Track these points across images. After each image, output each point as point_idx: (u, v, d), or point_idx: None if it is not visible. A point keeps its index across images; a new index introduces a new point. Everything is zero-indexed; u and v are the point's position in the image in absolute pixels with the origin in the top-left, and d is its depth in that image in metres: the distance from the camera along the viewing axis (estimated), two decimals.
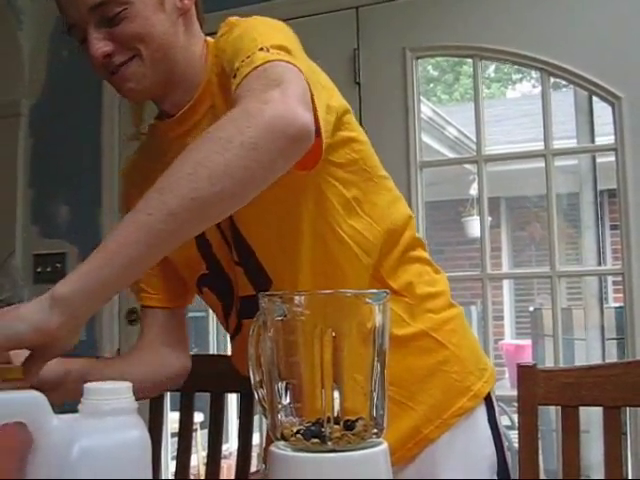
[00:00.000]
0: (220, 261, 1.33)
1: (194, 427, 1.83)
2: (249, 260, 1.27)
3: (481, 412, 1.33)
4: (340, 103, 1.26)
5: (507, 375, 6.18)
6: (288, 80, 1.02)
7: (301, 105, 1.01)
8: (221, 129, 0.99)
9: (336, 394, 0.86)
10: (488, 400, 1.34)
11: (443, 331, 1.34)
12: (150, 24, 1.20)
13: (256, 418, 1.58)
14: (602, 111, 3.05)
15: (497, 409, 1.36)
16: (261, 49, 1.08)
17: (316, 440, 0.84)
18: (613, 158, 2.76)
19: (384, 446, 0.86)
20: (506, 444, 1.35)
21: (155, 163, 1.25)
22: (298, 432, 0.86)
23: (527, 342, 6.31)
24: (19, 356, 0.97)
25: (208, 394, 1.64)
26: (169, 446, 3.26)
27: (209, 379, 1.61)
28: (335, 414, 0.85)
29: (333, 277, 1.27)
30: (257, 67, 1.05)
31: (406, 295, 1.33)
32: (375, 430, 0.87)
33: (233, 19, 1.25)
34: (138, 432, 0.76)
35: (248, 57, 1.08)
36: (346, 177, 1.26)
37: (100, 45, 1.20)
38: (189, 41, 1.28)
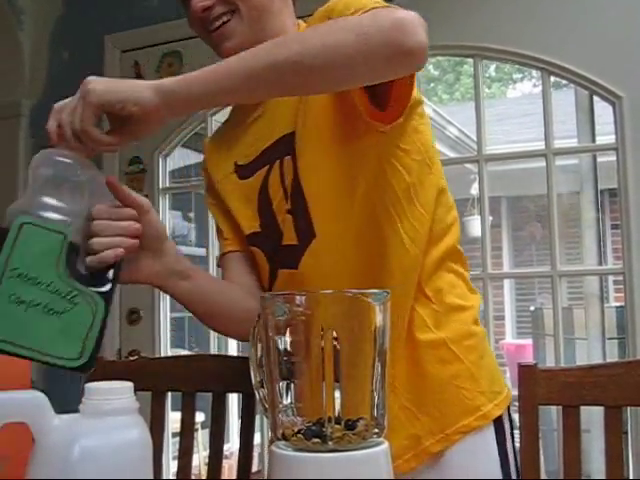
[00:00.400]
0: (277, 216, 1.34)
1: (195, 427, 1.84)
2: (300, 210, 1.29)
3: (490, 434, 1.33)
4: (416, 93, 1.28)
5: (508, 375, 6.18)
6: (412, 14, 1.05)
7: (423, 32, 1.04)
8: (346, 20, 1.06)
9: (337, 394, 0.86)
10: (499, 423, 1.34)
11: (462, 345, 1.35)
12: None
13: (257, 418, 1.58)
14: (603, 110, 3.04)
15: (509, 433, 1.35)
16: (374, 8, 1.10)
17: (317, 440, 0.84)
18: (614, 157, 2.75)
19: (385, 446, 0.87)
20: (514, 469, 1.35)
21: (236, 130, 1.42)
22: (299, 432, 0.86)
23: (528, 342, 6.31)
24: None
25: (209, 394, 1.64)
26: (170, 446, 3.25)
27: (210, 379, 1.62)
28: (336, 414, 0.85)
29: (377, 254, 1.29)
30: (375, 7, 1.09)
31: (434, 301, 1.34)
32: (376, 430, 0.87)
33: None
34: (139, 432, 0.76)
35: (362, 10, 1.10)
36: (410, 164, 1.29)
37: None
38: (281, 10, 1.34)
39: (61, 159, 1.05)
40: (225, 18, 1.29)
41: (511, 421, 1.38)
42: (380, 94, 1.16)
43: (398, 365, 1.30)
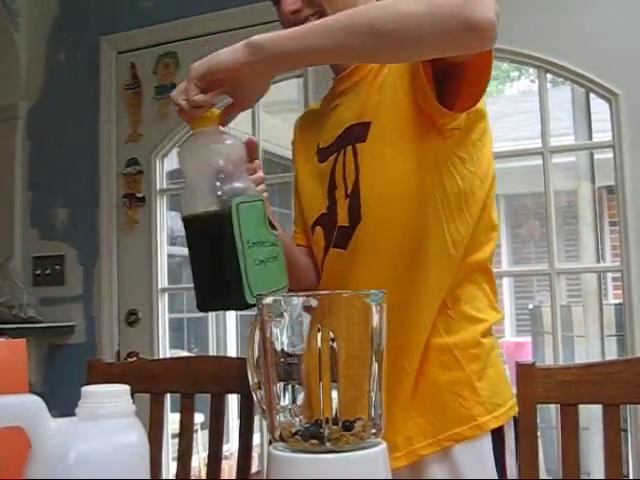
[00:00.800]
0: (338, 200, 1.42)
1: (195, 428, 1.83)
2: (355, 194, 1.37)
3: (486, 445, 1.33)
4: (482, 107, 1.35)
5: (507, 373, 6.18)
6: None
7: (492, 9, 1.09)
8: None
9: (334, 394, 0.86)
10: (497, 435, 1.34)
11: (467, 353, 1.36)
12: None
13: (256, 419, 1.58)
14: (600, 107, 3.04)
15: (511, 448, 1.36)
16: None
17: (315, 441, 0.84)
18: (611, 154, 2.75)
19: (383, 446, 0.86)
20: None
21: (322, 114, 1.55)
22: (297, 433, 0.86)
23: (527, 340, 6.31)
24: None
25: (208, 395, 1.64)
26: (170, 447, 3.25)
27: (209, 380, 1.62)
28: (333, 414, 0.85)
29: (419, 248, 1.34)
30: None
31: (450, 308, 1.37)
32: (373, 430, 0.87)
33: None
34: (135, 435, 0.76)
35: None
36: (464, 172, 1.35)
37: (289, 2, 1.37)
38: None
39: (214, 146, 1.14)
40: (312, 19, 1.36)
41: (516, 435, 1.38)
42: (450, 93, 1.25)
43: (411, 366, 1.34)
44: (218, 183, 1.11)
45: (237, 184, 1.14)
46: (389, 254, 1.36)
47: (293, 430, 0.86)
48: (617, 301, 4.37)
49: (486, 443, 1.33)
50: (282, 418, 0.88)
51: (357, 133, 1.39)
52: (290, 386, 0.88)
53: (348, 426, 0.85)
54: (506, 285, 9.10)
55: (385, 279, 1.33)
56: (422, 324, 1.34)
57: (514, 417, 1.38)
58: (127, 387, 0.77)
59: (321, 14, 1.36)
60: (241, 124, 4.21)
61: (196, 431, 4.36)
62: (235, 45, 1.12)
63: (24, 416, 0.74)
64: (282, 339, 0.88)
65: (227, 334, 5.31)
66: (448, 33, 1.08)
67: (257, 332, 0.92)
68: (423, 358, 1.35)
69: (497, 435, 1.34)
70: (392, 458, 1.27)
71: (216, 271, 1.12)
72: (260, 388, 0.94)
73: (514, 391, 1.40)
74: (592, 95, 3.05)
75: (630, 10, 2.73)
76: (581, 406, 1.37)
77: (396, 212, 1.34)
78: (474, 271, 1.40)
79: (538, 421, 1.38)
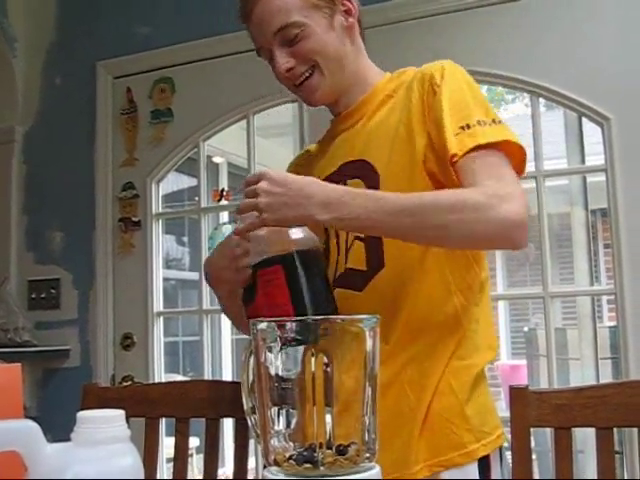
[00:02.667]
0: (330, 235, 1.49)
1: (190, 452, 1.83)
2: (374, 240, 1.41)
3: (472, 472, 1.34)
4: None
5: (503, 396, 6.17)
6: (512, 193, 1.26)
7: (526, 231, 1.27)
8: (462, 200, 1.25)
9: (328, 419, 0.86)
10: (484, 463, 1.35)
11: (461, 381, 1.39)
12: (323, 40, 1.46)
13: (251, 443, 1.58)
14: (592, 130, 3.07)
15: (494, 474, 1.37)
16: (479, 122, 1.33)
17: (309, 465, 0.84)
18: (604, 178, 2.77)
19: (376, 470, 0.87)
20: None
21: (320, 151, 1.63)
22: (291, 457, 0.86)
23: (522, 362, 6.30)
24: None
25: (204, 419, 1.64)
26: (165, 471, 3.24)
27: (204, 405, 1.62)
28: (327, 439, 0.85)
29: (433, 294, 1.40)
30: (480, 146, 1.30)
31: (455, 350, 1.40)
32: (367, 455, 0.88)
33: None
34: (130, 460, 0.76)
35: (468, 126, 1.33)
36: None
37: (283, 61, 1.46)
38: (355, 53, 1.53)
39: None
40: (307, 74, 1.47)
41: (502, 464, 1.39)
42: None
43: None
44: None
45: None
46: (408, 302, 1.39)
47: (287, 455, 0.87)
48: (612, 323, 4.38)
49: (473, 471, 1.34)
50: (276, 443, 0.88)
51: (359, 169, 1.45)
52: (284, 411, 0.88)
53: (342, 450, 0.86)
54: (501, 308, 9.10)
55: (401, 325, 1.38)
56: (433, 365, 1.39)
57: (500, 448, 1.39)
58: (122, 412, 0.77)
59: (314, 69, 1.47)
60: (237, 148, 4.24)
61: (191, 455, 4.34)
62: (312, 206, 1.23)
63: (20, 441, 0.74)
64: (276, 364, 0.89)
65: (222, 358, 5.30)
66: (483, 246, 1.37)
67: (251, 357, 0.92)
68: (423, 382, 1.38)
69: (484, 464, 1.35)
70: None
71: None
72: (254, 413, 0.94)
73: (504, 416, 1.41)
74: (584, 119, 3.07)
75: (622, 35, 2.76)
76: (576, 429, 1.37)
77: (419, 262, 1.39)
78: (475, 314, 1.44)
79: (533, 444, 1.38)
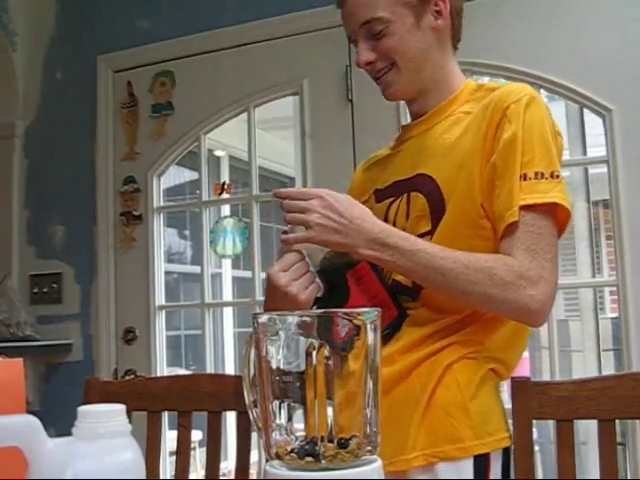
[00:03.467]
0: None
1: (193, 445, 1.84)
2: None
3: (467, 468, 1.34)
4: None
5: (506, 388, 6.16)
6: (541, 276, 1.30)
7: (537, 315, 1.33)
8: (492, 272, 1.30)
9: (329, 412, 0.86)
10: (482, 460, 1.35)
11: (468, 378, 1.39)
12: (406, 40, 1.47)
13: (254, 436, 1.58)
14: (594, 122, 3.06)
15: (494, 474, 1.36)
16: (537, 175, 1.34)
17: (310, 458, 0.84)
18: (605, 169, 2.77)
19: (378, 464, 0.87)
20: None
21: (385, 158, 1.65)
22: (292, 451, 0.86)
23: (525, 355, 6.30)
24: None
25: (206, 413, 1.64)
26: (168, 465, 3.25)
27: (206, 398, 1.62)
28: (329, 432, 0.85)
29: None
30: (527, 206, 1.32)
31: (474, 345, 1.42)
32: (369, 447, 0.87)
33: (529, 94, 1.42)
34: (132, 454, 0.76)
35: (525, 176, 1.34)
36: None
37: (365, 54, 1.49)
38: (441, 57, 1.53)
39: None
40: (385, 70, 1.50)
41: (506, 468, 1.38)
42: None
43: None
44: None
45: None
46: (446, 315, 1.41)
47: (289, 448, 0.86)
48: (614, 315, 4.38)
49: (468, 467, 1.34)
50: (278, 436, 0.88)
51: (418, 184, 1.47)
52: (286, 404, 0.88)
53: (343, 443, 0.85)
54: None
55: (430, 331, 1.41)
56: (444, 359, 1.41)
57: (506, 450, 1.38)
58: (123, 406, 0.77)
59: (393, 66, 1.49)
60: (238, 141, 4.23)
61: (194, 449, 4.35)
62: (355, 224, 1.33)
63: (21, 436, 0.74)
64: (277, 357, 0.89)
65: (225, 351, 5.31)
66: (506, 317, 1.37)
67: (252, 350, 0.92)
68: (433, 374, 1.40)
69: (482, 461, 1.35)
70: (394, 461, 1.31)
71: None
72: (256, 406, 0.94)
73: (507, 407, 1.42)
74: (586, 111, 3.07)
75: (623, 26, 2.75)
76: (579, 421, 1.37)
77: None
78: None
79: (536, 436, 1.38)
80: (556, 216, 1.35)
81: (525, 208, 1.32)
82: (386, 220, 1.48)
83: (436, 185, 1.43)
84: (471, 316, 1.40)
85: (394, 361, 1.39)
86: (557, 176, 1.35)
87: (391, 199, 1.52)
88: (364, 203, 1.53)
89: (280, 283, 1.35)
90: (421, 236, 1.41)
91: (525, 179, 1.34)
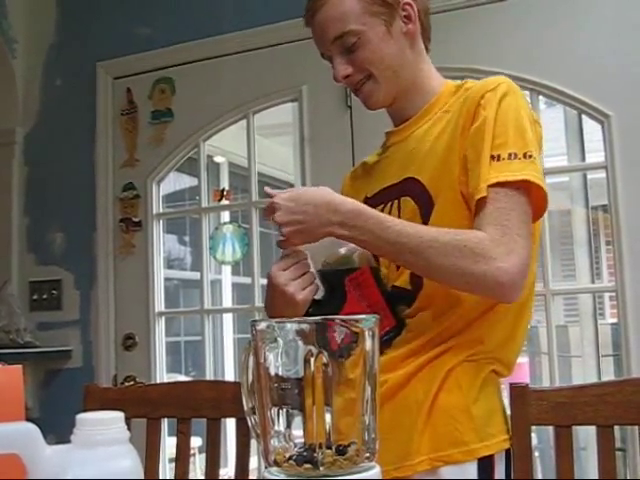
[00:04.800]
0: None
1: (192, 452, 1.84)
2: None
3: (471, 470, 1.35)
4: None
5: (506, 394, 6.16)
6: (519, 251, 1.30)
7: (517, 281, 1.31)
8: (461, 245, 1.30)
9: (328, 419, 0.86)
10: (486, 463, 1.36)
11: (469, 382, 1.40)
12: (380, 49, 1.48)
13: (253, 443, 1.58)
14: (592, 127, 3.06)
15: (498, 475, 1.37)
16: (510, 155, 1.34)
17: (308, 465, 0.84)
18: (604, 175, 2.77)
19: (376, 470, 0.87)
20: None
21: (372, 166, 1.67)
22: (290, 458, 0.86)
23: (524, 360, 6.30)
24: None
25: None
26: (167, 471, 3.25)
27: (205, 404, 1.62)
28: (327, 439, 0.85)
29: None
30: (498, 184, 1.32)
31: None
32: (367, 454, 0.88)
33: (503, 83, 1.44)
34: (130, 462, 0.76)
35: (498, 157, 1.34)
36: None
37: (342, 69, 1.51)
38: (416, 60, 1.54)
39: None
40: (363, 81, 1.51)
41: (509, 469, 1.39)
42: None
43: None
44: None
45: None
46: (444, 319, 1.41)
47: (287, 455, 0.87)
48: (614, 320, 4.38)
49: (473, 469, 1.35)
50: (276, 443, 0.88)
51: (408, 187, 1.47)
52: (284, 411, 0.89)
53: (342, 450, 0.86)
54: None
55: (432, 336, 1.41)
56: (446, 362, 1.41)
57: (508, 451, 1.39)
58: (121, 414, 0.78)
59: (370, 76, 1.50)
60: (237, 147, 4.24)
61: (194, 455, 4.34)
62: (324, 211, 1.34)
63: (20, 443, 0.74)
64: (276, 364, 0.89)
65: (224, 357, 5.30)
66: (476, 287, 1.32)
67: (251, 357, 0.92)
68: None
69: (486, 463, 1.35)
70: (385, 472, 1.31)
71: None
72: (254, 413, 0.94)
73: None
74: (585, 117, 3.07)
75: (622, 32, 2.75)
76: (579, 426, 1.37)
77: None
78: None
79: (536, 441, 1.39)
80: (530, 195, 1.35)
81: (497, 185, 1.33)
82: None
83: (422, 186, 1.44)
84: (469, 315, 1.40)
85: (396, 367, 1.39)
86: (530, 156, 1.35)
87: (381, 206, 1.51)
88: None
89: (278, 282, 1.36)
90: None
91: (498, 160, 1.34)
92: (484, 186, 1.33)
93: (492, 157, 1.35)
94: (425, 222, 1.41)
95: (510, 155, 1.34)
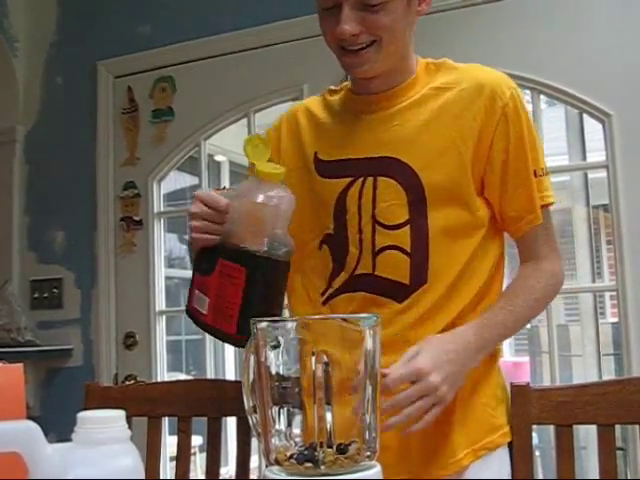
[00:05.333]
0: (348, 226, 1.42)
1: (193, 451, 1.84)
2: (420, 253, 1.38)
3: (505, 453, 1.38)
4: None
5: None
6: (561, 265, 1.49)
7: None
8: (536, 287, 1.44)
9: (329, 417, 0.86)
10: (510, 444, 1.39)
11: (491, 366, 1.43)
12: (399, 19, 1.35)
13: (254, 441, 1.58)
14: (593, 127, 3.06)
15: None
16: (542, 171, 1.42)
17: (309, 464, 0.85)
18: (605, 174, 2.77)
19: (377, 469, 0.87)
20: None
21: (331, 121, 1.50)
22: (291, 456, 0.86)
23: (525, 360, 6.30)
24: None
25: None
26: (168, 470, 3.25)
27: (206, 403, 1.62)
28: (328, 438, 0.86)
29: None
30: (544, 213, 1.44)
31: None
32: (368, 453, 0.88)
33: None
34: (131, 460, 0.76)
35: (535, 173, 1.41)
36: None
37: (351, 25, 1.32)
38: (410, 39, 1.44)
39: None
40: (365, 45, 1.36)
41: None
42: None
43: None
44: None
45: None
46: (453, 315, 1.38)
47: (288, 454, 0.87)
48: (615, 320, 4.38)
49: (506, 451, 1.38)
50: (277, 442, 0.88)
51: (386, 168, 1.40)
52: (285, 410, 0.89)
53: (343, 449, 0.86)
54: None
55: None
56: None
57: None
58: (122, 412, 0.78)
59: (374, 42, 1.36)
60: (238, 146, 4.24)
61: (194, 454, 4.34)
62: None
63: (21, 442, 0.74)
64: (277, 363, 0.89)
65: (225, 356, 5.30)
66: None
67: (252, 356, 0.93)
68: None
69: (510, 444, 1.39)
70: (438, 467, 1.34)
71: None
72: (255, 412, 0.94)
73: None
74: (585, 116, 3.07)
75: (623, 31, 2.75)
76: (579, 425, 1.38)
77: (459, 278, 1.39)
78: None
79: (537, 441, 1.39)
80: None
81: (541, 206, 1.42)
82: (343, 204, 1.42)
83: (412, 172, 1.38)
84: (465, 309, 1.39)
85: None
86: (547, 169, 1.45)
87: (348, 179, 1.42)
88: (297, 170, 1.48)
89: (192, 208, 1.26)
90: (398, 226, 1.38)
91: (536, 176, 1.40)
92: (539, 212, 1.42)
93: (534, 173, 1.41)
94: (416, 214, 1.37)
95: (541, 171, 1.42)
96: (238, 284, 1.22)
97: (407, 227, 1.38)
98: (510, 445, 1.38)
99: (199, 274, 1.29)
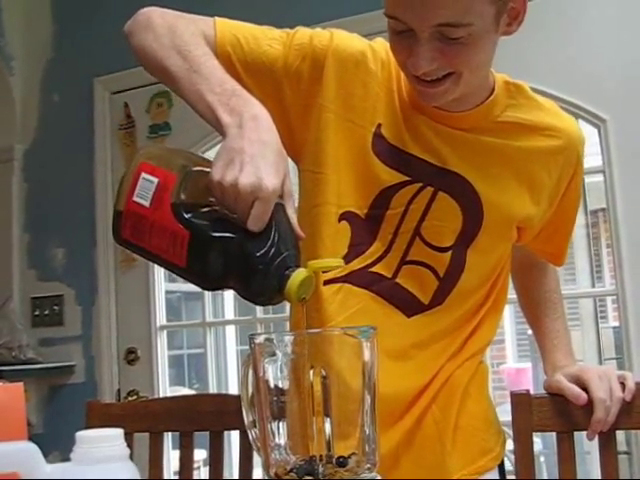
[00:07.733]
0: (382, 222, 1.28)
1: (197, 465, 1.83)
2: (452, 281, 1.32)
3: (496, 473, 1.37)
4: None
5: (509, 400, 6.14)
6: None
7: None
8: (556, 289, 1.59)
9: (328, 430, 0.86)
10: (501, 466, 1.38)
11: (480, 389, 1.40)
12: (482, 51, 1.18)
13: (256, 455, 1.58)
14: (589, 132, 3.06)
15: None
16: None
17: (309, 477, 0.85)
18: (602, 178, 2.77)
19: None
20: None
21: (405, 91, 1.29)
22: (291, 470, 0.86)
23: (527, 365, 6.29)
24: None
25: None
26: None
27: (208, 417, 1.62)
28: (327, 451, 0.86)
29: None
30: None
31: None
32: (368, 465, 0.88)
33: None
34: (130, 478, 0.76)
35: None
36: None
37: (427, 62, 1.15)
38: (492, 60, 1.27)
39: None
40: (442, 77, 1.18)
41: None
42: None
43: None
44: None
45: None
46: (451, 341, 1.34)
47: (288, 467, 0.87)
48: (616, 324, 4.38)
49: (496, 472, 1.37)
50: (277, 455, 0.88)
51: (447, 182, 1.27)
52: (284, 424, 0.89)
53: (342, 462, 0.86)
54: (506, 311, 9.00)
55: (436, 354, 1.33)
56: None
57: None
58: (121, 431, 0.78)
59: (452, 74, 1.18)
60: None
61: (198, 468, 4.33)
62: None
63: (20, 461, 0.74)
64: (275, 377, 0.89)
65: (228, 369, 5.30)
66: None
67: (250, 371, 0.93)
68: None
69: (501, 463, 1.38)
70: None
71: None
72: (255, 426, 0.95)
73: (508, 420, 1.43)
74: (581, 121, 3.07)
75: (618, 37, 2.76)
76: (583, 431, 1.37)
77: (476, 308, 1.38)
78: None
79: (541, 447, 1.39)
80: None
81: None
82: (388, 198, 1.27)
83: (479, 202, 1.28)
84: (475, 327, 1.38)
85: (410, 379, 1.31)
86: None
87: (406, 178, 1.27)
88: (347, 122, 1.28)
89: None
90: (440, 249, 1.28)
91: None
92: (565, 259, 1.52)
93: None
94: (461, 244, 1.29)
95: None
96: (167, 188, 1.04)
97: (449, 253, 1.28)
98: (500, 466, 1.37)
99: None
